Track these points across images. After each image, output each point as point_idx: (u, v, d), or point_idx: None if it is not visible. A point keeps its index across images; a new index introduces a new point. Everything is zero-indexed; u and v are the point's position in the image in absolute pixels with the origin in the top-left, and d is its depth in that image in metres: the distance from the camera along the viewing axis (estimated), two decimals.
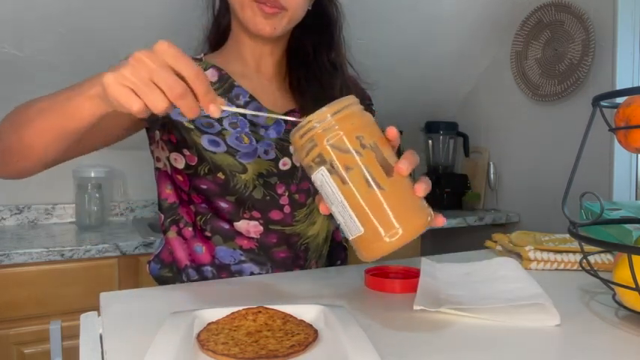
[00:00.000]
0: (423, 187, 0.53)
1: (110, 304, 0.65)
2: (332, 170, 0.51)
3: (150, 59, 0.49)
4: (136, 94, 0.50)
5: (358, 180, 0.50)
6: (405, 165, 0.51)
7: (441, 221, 0.54)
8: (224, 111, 0.52)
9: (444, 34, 2.08)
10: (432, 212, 0.54)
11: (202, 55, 0.93)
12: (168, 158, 0.87)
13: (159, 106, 0.50)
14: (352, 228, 0.51)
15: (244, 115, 0.85)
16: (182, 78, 0.50)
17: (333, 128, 0.51)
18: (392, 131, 0.54)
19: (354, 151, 0.50)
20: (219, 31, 0.97)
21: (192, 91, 0.51)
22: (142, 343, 0.49)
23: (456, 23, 2.05)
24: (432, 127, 2.38)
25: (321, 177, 0.52)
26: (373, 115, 1.04)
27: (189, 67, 0.50)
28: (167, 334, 0.49)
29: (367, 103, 1.02)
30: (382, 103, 2.42)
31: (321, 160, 0.51)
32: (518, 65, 2.10)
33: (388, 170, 0.51)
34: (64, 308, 1.43)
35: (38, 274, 1.42)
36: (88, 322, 0.61)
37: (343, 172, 0.51)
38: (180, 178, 0.86)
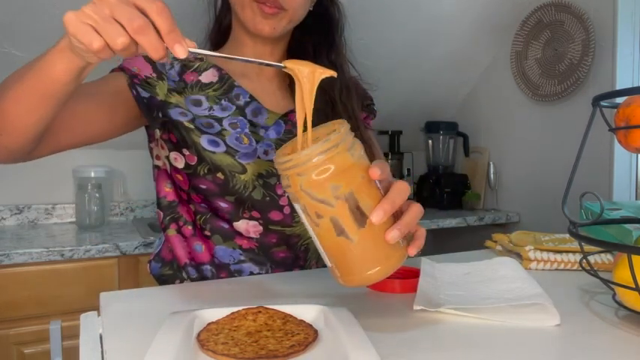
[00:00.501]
0: (396, 234, 0.51)
1: (110, 304, 0.65)
2: (305, 211, 0.51)
3: (113, 10, 0.47)
4: (96, 31, 0.47)
5: (327, 228, 0.50)
6: (378, 217, 0.50)
7: (411, 252, 0.54)
8: (191, 53, 0.49)
9: (444, 34, 2.08)
10: (405, 247, 0.54)
11: None
12: (167, 157, 0.87)
13: (118, 41, 0.47)
14: (324, 259, 0.54)
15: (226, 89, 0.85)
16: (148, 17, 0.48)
17: (308, 174, 0.49)
18: (374, 173, 0.51)
19: (326, 202, 0.49)
20: (221, 31, 0.97)
21: (156, 29, 0.48)
22: (142, 343, 0.49)
23: (456, 23, 2.05)
24: (432, 127, 2.38)
25: (298, 209, 0.52)
26: (374, 116, 1.04)
27: (152, 2, 0.48)
28: (167, 334, 0.49)
29: (368, 104, 1.03)
30: (383, 104, 2.42)
31: (295, 200, 0.52)
32: (518, 65, 2.10)
33: (361, 220, 0.50)
34: (64, 308, 1.43)
35: (38, 274, 1.42)
36: (88, 322, 0.61)
37: (314, 218, 0.51)
38: (179, 177, 0.86)
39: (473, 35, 2.13)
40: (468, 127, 2.38)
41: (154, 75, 0.83)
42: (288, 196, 0.86)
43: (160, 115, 0.84)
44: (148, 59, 0.83)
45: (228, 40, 0.94)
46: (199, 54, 0.51)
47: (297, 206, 0.52)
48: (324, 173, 0.49)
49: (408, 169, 2.36)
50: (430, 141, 2.40)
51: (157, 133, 0.88)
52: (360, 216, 0.50)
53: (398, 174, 2.32)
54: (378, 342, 0.49)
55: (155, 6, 0.48)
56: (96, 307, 0.64)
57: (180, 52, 0.49)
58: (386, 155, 2.35)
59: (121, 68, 0.83)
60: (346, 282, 0.53)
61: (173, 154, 0.85)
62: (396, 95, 2.25)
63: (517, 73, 2.11)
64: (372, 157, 0.95)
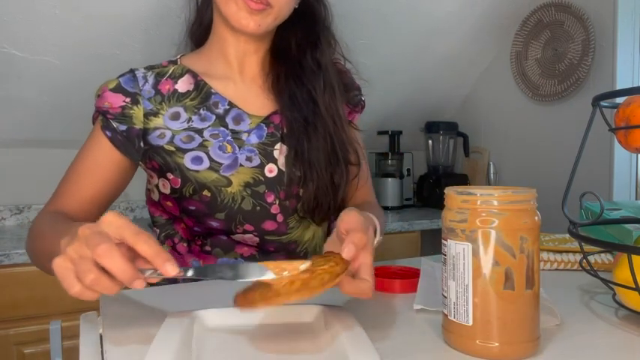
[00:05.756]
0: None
1: (110, 304, 0.65)
2: (476, 254, 0.48)
3: (86, 242, 0.48)
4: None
5: (498, 279, 0.47)
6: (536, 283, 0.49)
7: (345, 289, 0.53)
8: (181, 271, 0.50)
9: (444, 34, 2.08)
10: (540, 334, 0.50)
11: (179, 57, 0.90)
12: (157, 186, 0.85)
13: (87, 279, 0.47)
14: (459, 313, 0.49)
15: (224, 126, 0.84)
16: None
17: (501, 217, 0.47)
18: None
19: (510, 252, 0.47)
20: (202, 26, 0.93)
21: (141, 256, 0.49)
22: (142, 343, 0.49)
23: (456, 23, 2.05)
24: (432, 127, 2.38)
25: (461, 249, 0.48)
26: (362, 108, 0.99)
27: (133, 234, 0.49)
28: (167, 334, 0.49)
29: (356, 94, 0.98)
30: (383, 103, 2.43)
31: (472, 238, 0.48)
32: (518, 65, 2.10)
33: (530, 283, 0.48)
34: (64, 308, 1.43)
35: (38, 274, 1.41)
36: (88, 322, 0.61)
37: (488, 264, 0.47)
38: (169, 204, 0.85)
39: (473, 35, 2.13)
40: (468, 127, 2.37)
41: (128, 100, 0.81)
42: (279, 204, 0.84)
43: (142, 144, 0.82)
44: (117, 89, 0.81)
45: (210, 37, 0.90)
46: (189, 276, 0.51)
47: (461, 246, 0.49)
48: (517, 221, 0.47)
49: (408, 169, 2.36)
50: (430, 141, 2.40)
51: (142, 165, 0.86)
52: (531, 278, 0.48)
53: (398, 174, 2.32)
54: (377, 342, 0.49)
55: (134, 238, 0.49)
56: (96, 307, 0.64)
57: (170, 269, 0.49)
58: (386, 155, 2.36)
59: (96, 110, 0.82)
60: (461, 343, 0.50)
61: (161, 181, 0.84)
62: (396, 95, 2.25)
63: (517, 73, 2.11)
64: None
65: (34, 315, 1.41)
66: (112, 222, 0.50)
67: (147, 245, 0.49)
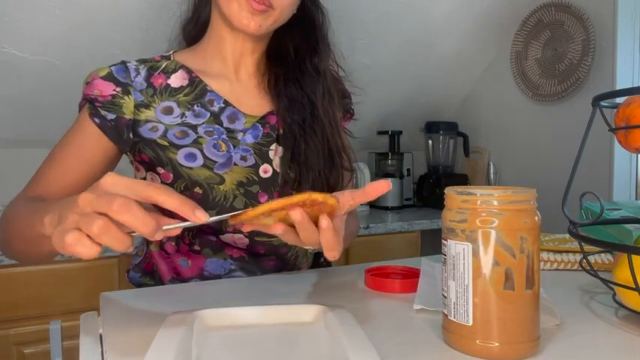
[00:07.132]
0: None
1: (110, 304, 0.65)
2: (476, 254, 0.48)
3: (92, 206, 0.45)
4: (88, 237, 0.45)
5: (498, 279, 0.47)
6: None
7: (384, 187, 0.54)
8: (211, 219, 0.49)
9: (444, 34, 2.08)
10: (540, 334, 0.50)
11: (172, 52, 0.89)
12: (144, 179, 0.84)
13: (93, 227, 0.43)
14: (459, 313, 0.49)
15: (220, 124, 0.83)
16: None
17: (501, 217, 0.47)
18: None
19: (510, 252, 0.47)
20: (198, 23, 0.92)
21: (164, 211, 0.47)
22: (142, 343, 0.49)
23: (456, 23, 2.05)
24: (432, 127, 2.38)
25: (461, 249, 0.49)
26: (351, 117, 1.00)
27: (146, 188, 0.46)
28: (167, 334, 0.49)
29: (347, 102, 0.99)
30: (382, 103, 2.42)
31: (472, 238, 0.48)
32: (518, 65, 2.10)
33: (530, 283, 0.48)
34: (64, 308, 1.43)
35: (38, 274, 1.42)
36: (88, 322, 0.61)
37: (488, 264, 0.47)
38: None
39: (473, 35, 2.13)
40: (468, 127, 2.38)
41: (119, 90, 0.80)
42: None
43: (131, 135, 0.81)
44: (109, 77, 0.80)
45: (206, 35, 0.89)
46: (217, 219, 0.52)
47: (461, 246, 0.50)
48: (517, 221, 0.48)
49: (408, 169, 2.36)
50: (430, 141, 2.40)
51: (130, 156, 0.85)
52: (531, 279, 0.48)
53: (398, 174, 2.32)
54: (378, 342, 0.49)
55: (153, 190, 0.46)
56: (96, 307, 0.64)
57: (201, 216, 0.48)
58: (386, 155, 2.36)
59: (84, 98, 0.81)
60: (461, 344, 0.50)
61: (149, 175, 0.83)
62: (396, 95, 2.25)
63: (517, 73, 2.11)
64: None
65: (34, 315, 1.41)
66: (117, 182, 0.46)
67: (168, 195, 0.46)
